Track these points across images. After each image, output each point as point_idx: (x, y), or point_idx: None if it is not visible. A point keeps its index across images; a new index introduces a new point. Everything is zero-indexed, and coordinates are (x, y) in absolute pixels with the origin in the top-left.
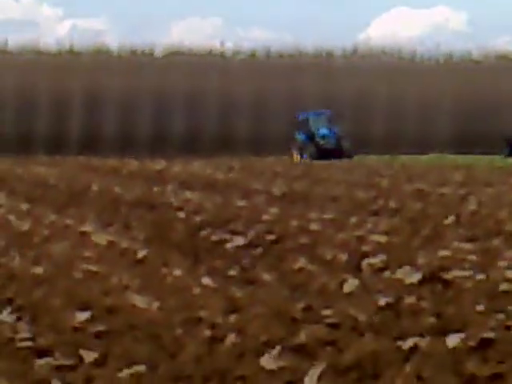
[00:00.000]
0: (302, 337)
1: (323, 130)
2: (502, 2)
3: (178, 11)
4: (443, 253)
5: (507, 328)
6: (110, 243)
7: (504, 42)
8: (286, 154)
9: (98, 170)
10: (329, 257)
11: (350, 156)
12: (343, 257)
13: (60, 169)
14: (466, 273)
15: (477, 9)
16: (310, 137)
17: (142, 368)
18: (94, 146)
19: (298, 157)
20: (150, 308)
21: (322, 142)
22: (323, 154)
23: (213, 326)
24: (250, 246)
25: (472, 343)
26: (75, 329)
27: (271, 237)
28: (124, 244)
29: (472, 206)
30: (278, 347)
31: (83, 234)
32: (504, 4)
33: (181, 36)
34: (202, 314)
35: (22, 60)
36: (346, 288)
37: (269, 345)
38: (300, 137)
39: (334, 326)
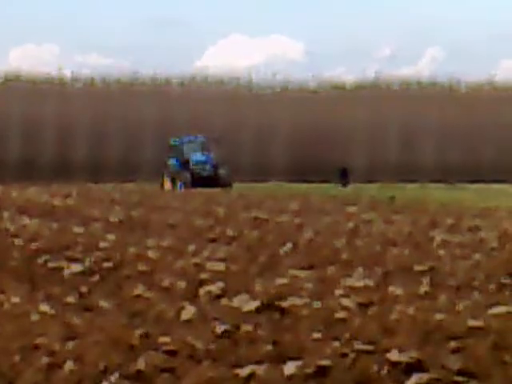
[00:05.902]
0: (139, 364)
1: (198, 157)
2: (338, 33)
3: (15, 37)
4: (280, 281)
5: (343, 355)
6: None
7: (340, 72)
8: (155, 180)
9: None
10: (167, 284)
11: (226, 184)
12: (181, 284)
13: None
14: (303, 301)
15: (314, 39)
16: (184, 163)
17: None
18: None
19: (170, 184)
20: None
21: (197, 169)
22: (198, 181)
23: (50, 353)
24: (87, 272)
25: (308, 371)
26: None
27: (109, 264)
28: None
29: (308, 234)
30: (116, 374)
31: None
32: (340, 35)
33: (18, 62)
34: (40, 340)
35: None
36: (184, 315)
37: (107, 372)
38: (173, 163)
39: (171, 354)
